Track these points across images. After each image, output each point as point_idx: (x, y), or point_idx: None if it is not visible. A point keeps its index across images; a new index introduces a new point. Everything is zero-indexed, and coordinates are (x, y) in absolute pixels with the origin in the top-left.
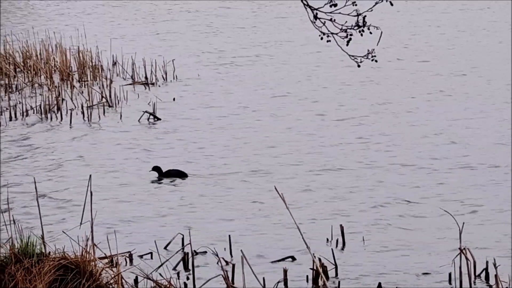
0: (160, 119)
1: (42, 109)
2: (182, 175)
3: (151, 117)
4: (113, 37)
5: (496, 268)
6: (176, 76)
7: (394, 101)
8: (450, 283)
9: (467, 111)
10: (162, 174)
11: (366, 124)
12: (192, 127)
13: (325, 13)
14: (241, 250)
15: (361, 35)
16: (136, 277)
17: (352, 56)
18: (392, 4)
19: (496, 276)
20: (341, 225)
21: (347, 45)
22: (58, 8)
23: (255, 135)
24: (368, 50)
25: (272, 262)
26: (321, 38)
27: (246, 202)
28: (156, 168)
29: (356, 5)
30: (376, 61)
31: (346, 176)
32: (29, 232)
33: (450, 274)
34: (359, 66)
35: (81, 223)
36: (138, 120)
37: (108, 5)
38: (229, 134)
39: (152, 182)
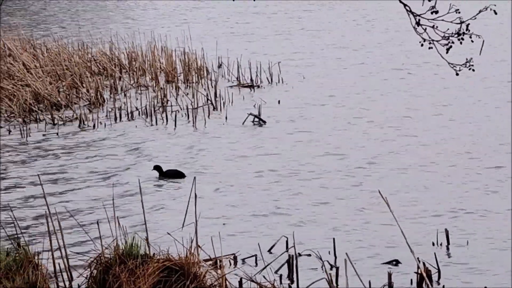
0: (265, 122)
1: (147, 110)
2: (180, 175)
3: (256, 119)
4: (218, 39)
5: None
6: (282, 79)
7: None
8: None
9: None
10: (162, 174)
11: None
12: (297, 130)
13: (428, 19)
14: (346, 253)
15: (461, 43)
16: (241, 279)
17: (452, 64)
18: (496, 13)
19: None
20: (446, 229)
21: (447, 52)
22: (165, 10)
23: (357, 137)
24: (467, 59)
25: (376, 265)
26: (422, 45)
27: (350, 204)
28: (156, 167)
29: (459, 12)
30: (473, 70)
31: (455, 180)
32: (133, 234)
33: None
34: (457, 74)
35: (183, 225)
36: (243, 123)
37: (214, 7)
38: (334, 136)
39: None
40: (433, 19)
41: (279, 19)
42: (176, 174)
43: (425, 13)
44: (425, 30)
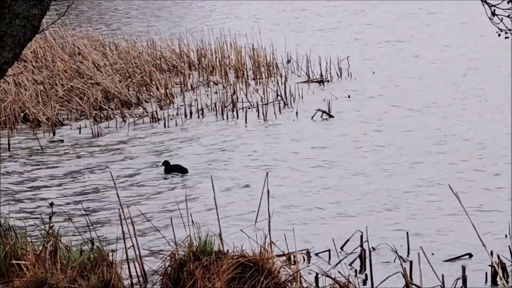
0: (333, 117)
1: (217, 107)
2: (183, 170)
3: (324, 114)
4: (287, 34)
5: None
6: (351, 74)
7: None
8: None
9: None
10: (167, 169)
11: None
12: (366, 125)
13: (503, 9)
14: (421, 247)
15: None
16: (317, 275)
17: None
18: None
19: None
20: None
21: None
22: (233, 7)
23: (428, 133)
24: None
25: (449, 259)
26: (499, 35)
27: (421, 198)
28: (165, 163)
29: None
30: None
31: None
32: (207, 230)
33: None
34: None
35: (255, 221)
36: (312, 118)
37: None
38: (401, 133)
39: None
40: (508, 9)
41: (344, 13)
42: (178, 170)
43: (500, 3)
44: (501, 20)
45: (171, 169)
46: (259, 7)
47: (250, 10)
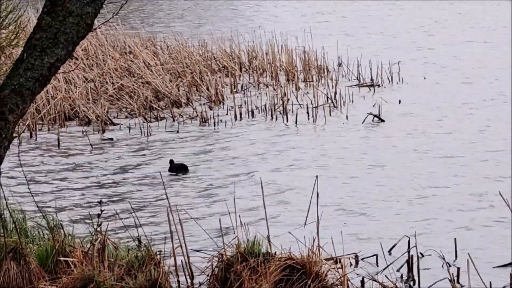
0: (383, 121)
1: (267, 109)
2: (184, 169)
3: (375, 118)
4: (338, 38)
5: None
6: (402, 78)
7: None
8: None
9: None
10: (170, 168)
11: None
12: (416, 130)
13: None
14: (468, 253)
15: None
16: (363, 279)
17: None
18: None
19: None
20: None
21: None
22: (285, 9)
23: (478, 139)
24: None
25: (497, 265)
26: None
27: (470, 204)
28: (170, 161)
29: None
30: None
31: None
32: (255, 232)
33: None
34: None
35: (305, 224)
36: (362, 122)
37: (336, 5)
38: (453, 138)
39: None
40: None
41: (393, 17)
42: (181, 168)
43: None
44: None
45: (174, 168)
46: (311, 9)
47: (301, 12)
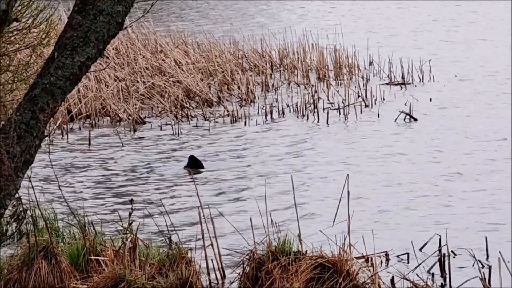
0: (416, 120)
1: (299, 107)
2: (199, 165)
3: (407, 117)
4: (370, 36)
5: None
6: (433, 77)
7: None
8: None
9: None
10: (188, 164)
11: None
12: (448, 129)
13: None
14: (499, 252)
15: None
16: (393, 277)
17: None
18: None
19: None
20: None
21: None
22: (318, 7)
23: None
24: None
25: None
26: None
27: (501, 203)
28: (190, 158)
29: None
30: None
31: None
32: (286, 230)
33: None
34: None
35: (333, 222)
36: (395, 120)
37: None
38: (487, 135)
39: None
40: None
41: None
42: (196, 164)
43: None
44: None
45: (189, 164)
46: (343, 7)
47: (331, 9)
